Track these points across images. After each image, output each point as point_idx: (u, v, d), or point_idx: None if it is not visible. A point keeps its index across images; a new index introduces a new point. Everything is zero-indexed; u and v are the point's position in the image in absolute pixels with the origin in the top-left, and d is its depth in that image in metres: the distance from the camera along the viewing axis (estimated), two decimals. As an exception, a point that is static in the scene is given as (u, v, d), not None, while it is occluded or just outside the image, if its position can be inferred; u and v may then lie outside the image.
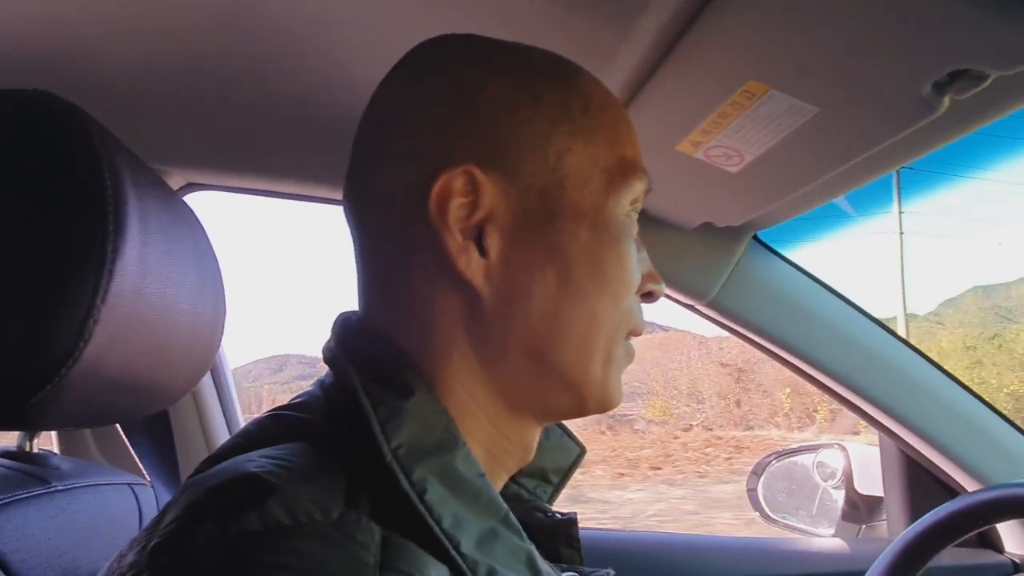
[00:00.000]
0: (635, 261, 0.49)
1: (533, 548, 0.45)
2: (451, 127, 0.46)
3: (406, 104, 0.48)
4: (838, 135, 0.64)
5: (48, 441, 0.90)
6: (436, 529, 0.39)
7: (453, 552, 0.40)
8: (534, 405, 0.49)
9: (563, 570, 0.55)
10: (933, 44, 0.53)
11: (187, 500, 0.38)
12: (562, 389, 0.48)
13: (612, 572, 0.56)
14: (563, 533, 0.56)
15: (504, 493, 0.53)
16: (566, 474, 0.60)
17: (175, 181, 0.88)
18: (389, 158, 0.47)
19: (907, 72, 0.56)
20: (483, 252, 0.45)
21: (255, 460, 0.40)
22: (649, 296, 0.52)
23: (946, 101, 0.57)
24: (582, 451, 0.60)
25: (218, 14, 0.71)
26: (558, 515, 0.58)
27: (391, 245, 0.47)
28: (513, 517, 0.45)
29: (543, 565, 0.45)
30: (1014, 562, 1.09)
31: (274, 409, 0.49)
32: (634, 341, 0.52)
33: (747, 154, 0.70)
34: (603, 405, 0.49)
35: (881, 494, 1.22)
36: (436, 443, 0.42)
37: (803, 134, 0.65)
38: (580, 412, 0.50)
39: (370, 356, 0.46)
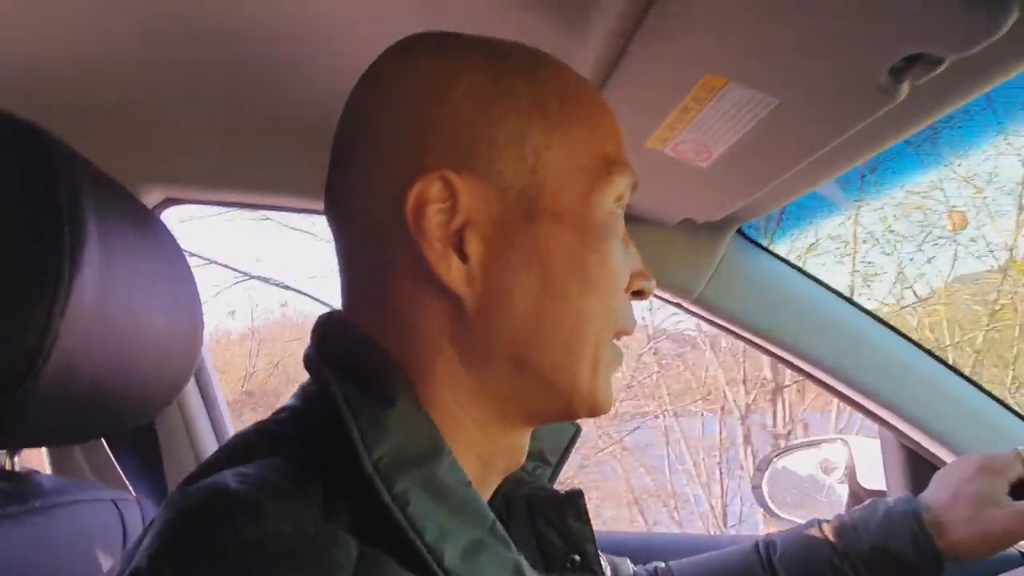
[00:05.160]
0: (620, 260, 0.48)
1: (521, 559, 0.44)
2: (423, 131, 0.45)
3: (376, 110, 0.47)
4: (802, 125, 0.64)
5: (39, 462, 0.91)
6: (418, 543, 0.39)
7: (435, 567, 0.39)
8: (522, 411, 0.48)
9: None
10: (886, 29, 0.52)
11: (162, 522, 0.38)
12: (549, 393, 0.47)
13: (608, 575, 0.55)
14: (571, 506, 0.55)
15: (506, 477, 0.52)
16: (563, 453, 0.59)
17: (153, 198, 0.88)
18: (363, 167, 0.47)
19: (862, 59, 0.55)
20: (464, 257, 0.44)
21: (230, 478, 0.39)
22: (640, 294, 0.51)
23: (905, 87, 0.56)
24: (577, 430, 0.60)
25: (193, 27, 0.71)
26: (563, 492, 0.57)
27: (372, 254, 0.47)
28: (500, 527, 0.44)
29: (531, 575, 0.45)
30: (1021, 553, 1.06)
31: (260, 422, 0.48)
32: None
33: (715, 148, 0.69)
34: (593, 409, 0.48)
35: (884, 488, 1.20)
36: (420, 453, 0.41)
37: (768, 125, 0.64)
38: (569, 416, 0.49)
39: (353, 361, 0.45)
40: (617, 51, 0.62)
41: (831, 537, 0.73)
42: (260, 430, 0.47)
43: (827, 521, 0.75)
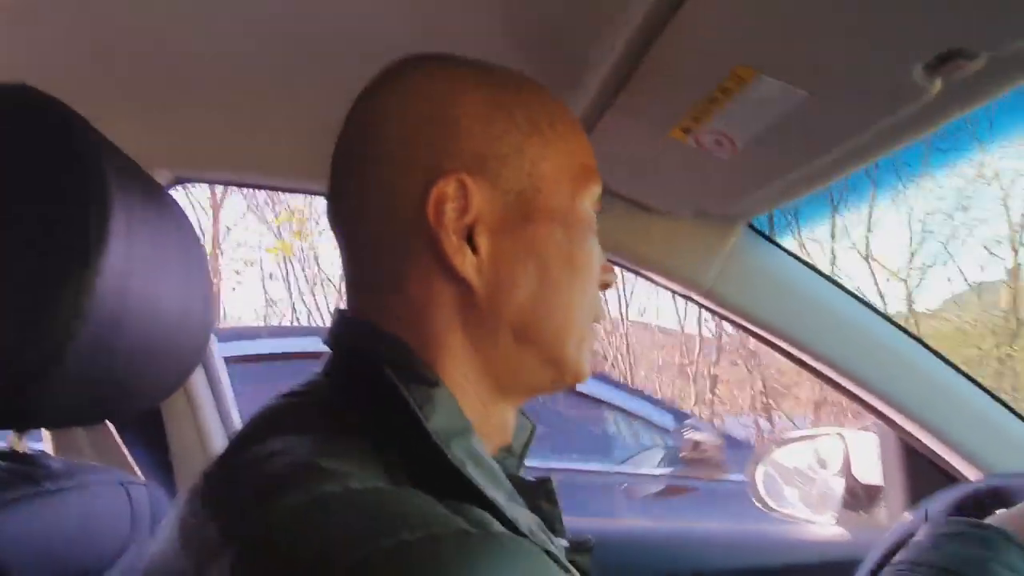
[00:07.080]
0: (598, 254, 0.56)
1: (535, 518, 0.49)
2: (439, 140, 0.50)
3: (393, 119, 0.51)
4: (828, 120, 0.64)
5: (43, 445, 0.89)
6: (487, 495, 0.43)
7: (504, 512, 0.44)
8: (519, 383, 0.55)
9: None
10: (922, 24, 0.52)
11: (232, 484, 0.42)
12: (544, 366, 0.54)
13: (592, 538, 0.58)
14: (542, 490, 0.59)
15: None
16: (525, 446, 0.64)
17: (163, 176, 0.87)
18: (379, 170, 0.51)
19: (896, 54, 0.55)
20: (474, 250, 0.50)
21: (284, 446, 0.43)
22: (604, 286, 0.59)
23: (937, 83, 0.56)
24: (534, 427, 0.65)
25: (206, 10, 0.70)
26: (532, 478, 0.62)
27: (387, 248, 0.51)
28: (516, 494, 0.49)
29: (548, 533, 0.49)
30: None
31: (282, 396, 0.51)
32: None
33: (738, 140, 0.69)
34: (577, 378, 0.56)
35: (881, 482, 1.21)
36: (459, 427, 0.47)
37: (793, 119, 0.64)
38: (558, 385, 0.56)
39: (389, 349, 0.49)
40: (649, 38, 0.62)
41: None
42: (290, 405, 0.50)
43: None
